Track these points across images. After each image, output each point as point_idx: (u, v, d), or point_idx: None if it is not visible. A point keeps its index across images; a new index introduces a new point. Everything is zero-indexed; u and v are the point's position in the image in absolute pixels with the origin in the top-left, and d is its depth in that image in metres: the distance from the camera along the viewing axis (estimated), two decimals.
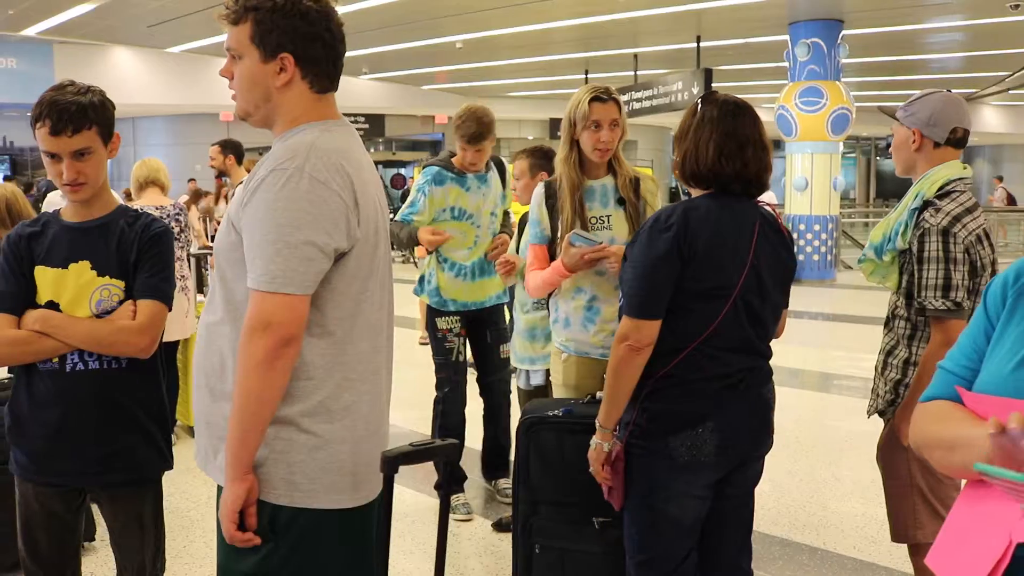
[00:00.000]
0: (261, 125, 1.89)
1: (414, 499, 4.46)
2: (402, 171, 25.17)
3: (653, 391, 2.41)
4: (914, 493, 2.64)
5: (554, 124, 22.70)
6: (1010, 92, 22.41)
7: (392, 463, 1.67)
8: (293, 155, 1.72)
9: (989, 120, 26.98)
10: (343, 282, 1.79)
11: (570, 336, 3.10)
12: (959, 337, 1.51)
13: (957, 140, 2.69)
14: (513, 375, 4.33)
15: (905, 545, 2.78)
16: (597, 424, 2.47)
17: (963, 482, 1.46)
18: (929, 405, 1.50)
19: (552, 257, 3.15)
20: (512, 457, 3.28)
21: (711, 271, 2.35)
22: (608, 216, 3.08)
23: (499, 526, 4.11)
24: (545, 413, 2.84)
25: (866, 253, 2.79)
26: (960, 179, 2.67)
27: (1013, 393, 1.30)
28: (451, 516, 4.23)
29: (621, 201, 3.09)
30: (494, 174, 4.29)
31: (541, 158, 4.04)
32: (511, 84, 21.23)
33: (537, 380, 3.88)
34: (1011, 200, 23.77)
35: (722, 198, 2.42)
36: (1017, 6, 11.34)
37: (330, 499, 1.80)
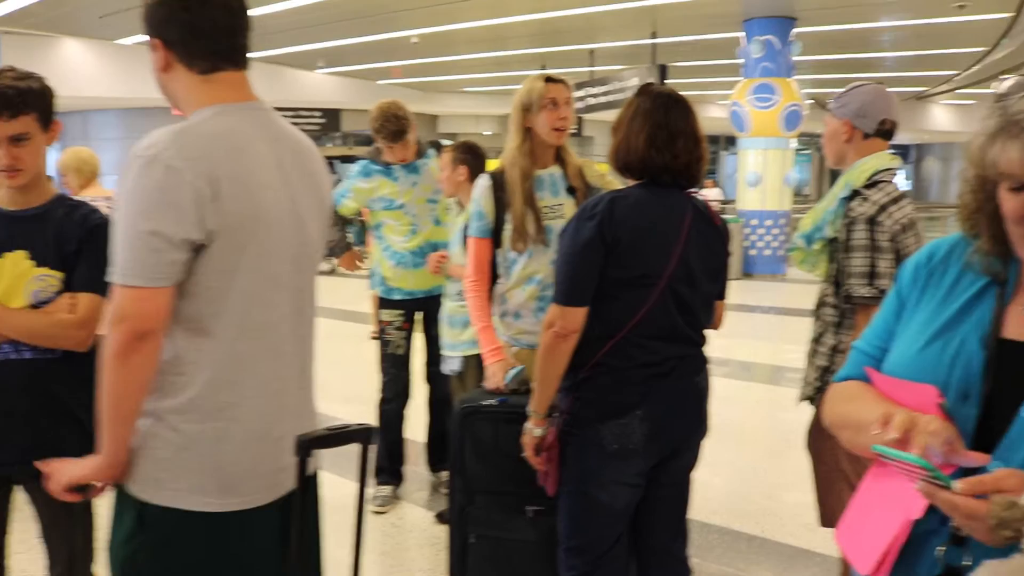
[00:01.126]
0: (179, 113, 1.83)
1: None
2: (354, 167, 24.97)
3: (585, 379, 2.43)
4: (840, 478, 2.69)
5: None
6: (958, 91, 22.86)
7: (305, 447, 1.66)
8: (155, 142, 1.65)
9: (939, 119, 27.46)
10: (209, 276, 1.68)
11: (522, 329, 3.08)
12: (875, 316, 1.53)
13: (886, 131, 2.74)
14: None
15: (834, 530, 2.82)
16: (530, 410, 2.49)
17: None
18: (841, 385, 1.52)
19: (495, 248, 3.13)
20: None
21: (637, 259, 2.37)
22: (560, 205, 3.07)
23: (441, 518, 4.11)
24: (480, 403, 2.85)
25: (796, 241, 2.84)
26: (888, 169, 2.72)
27: (919, 373, 1.32)
28: (380, 508, 4.25)
29: (571, 190, 3.08)
30: (430, 162, 4.33)
31: (464, 152, 4.06)
32: (467, 79, 21.20)
33: (455, 366, 3.97)
34: None
35: (652, 188, 2.44)
36: (963, 7, 11.55)
37: (196, 501, 1.71)
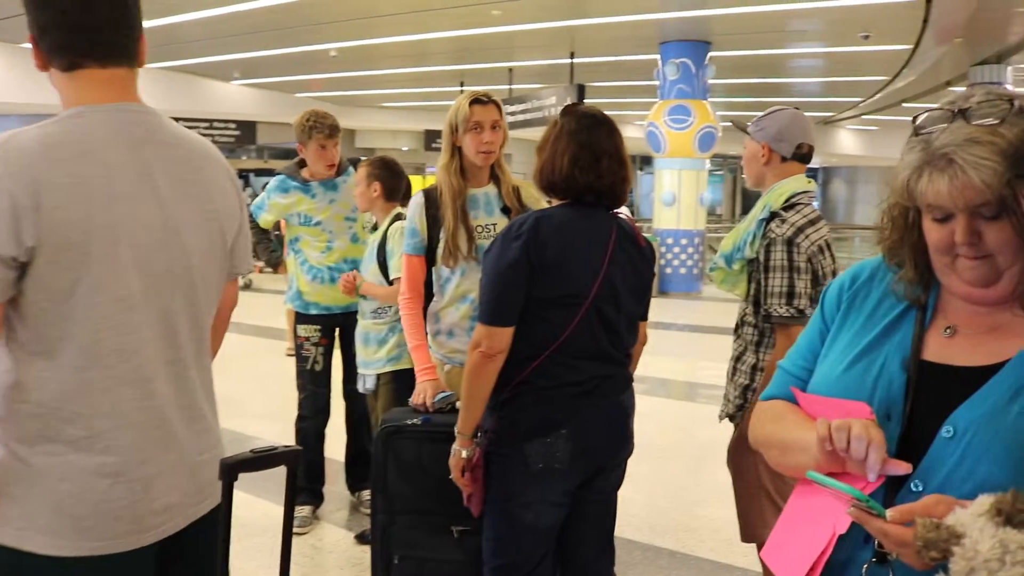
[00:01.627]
0: None
1: (279, 512, 4.32)
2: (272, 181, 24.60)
3: (510, 398, 2.42)
4: (761, 494, 2.74)
5: (430, 135, 22.64)
6: (863, 117, 23.71)
7: (231, 471, 1.61)
8: None
9: (845, 143, 28.39)
10: (40, 296, 1.52)
11: (455, 348, 3.05)
12: (798, 338, 1.57)
13: (802, 155, 2.83)
14: None
15: (755, 545, 2.88)
16: (456, 431, 2.48)
17: None
18: (767, 404, 1.54)
19: (429, 267, 3.10)
20: None
21: (562, 279, 2.37)
22: (494, 224, 3.05)
23: (362, 538, 4.05)
24: (404, 422, 2.81)
25: (716, 262, 2.90)
26: (805, 192, 2.80)
27: (842, 394, 1.35)
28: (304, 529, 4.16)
29: (506, 210, 3.06)
30: (349, 180, 4.30)
31: (379, 168, 3.99)
32: (386, 95, 21.09)
33: (369, 384, 3.95)
34: None
35: (577, 208, 2.46)
36: (867, 37, 12.00)
37: (44, 543, 1.54)
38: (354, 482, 4.53)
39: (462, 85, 18.23)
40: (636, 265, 2.53)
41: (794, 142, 2.80)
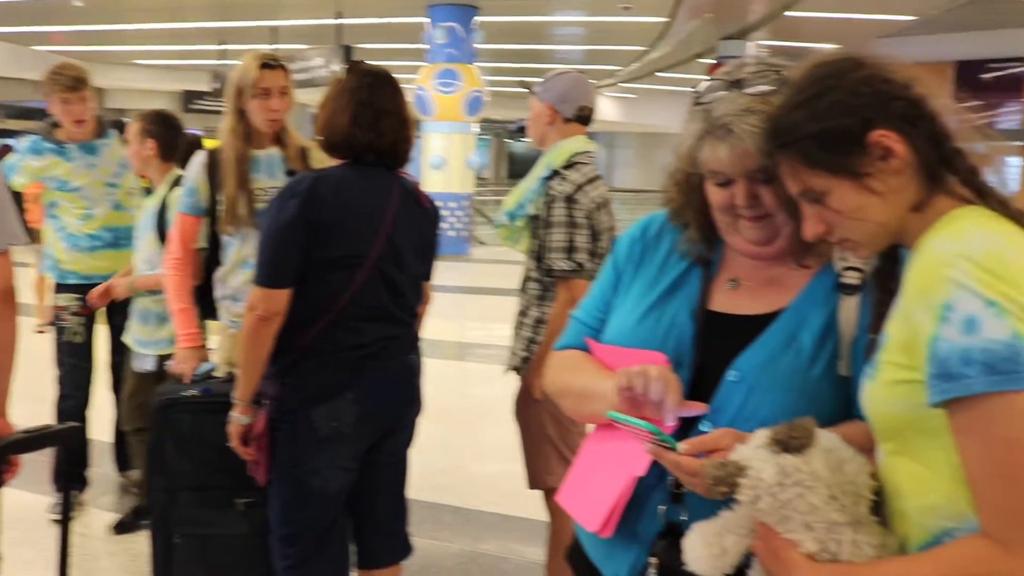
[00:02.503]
0: None
1: (36, 502, 4.00)
2: (10, 141, 22.51)
3: (293, 363, 2.37)
4: (546, 443, 2.85)
5: (188, 96, 21.44)
6: (621, 85, 24.85)
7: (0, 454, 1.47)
8: None
9: (605, 110, 29.63)
10: None
11: (240, 312, 2.91)
12: (592, 287, 1.62)
13: (583, 117, 2.95)
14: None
15: (540, 492, 2.99)
16: (234, 397, 2.39)
17: (588, 428, 1.58)
18: (562, 354, 1.59)
19: (212, 228, 2.94)
20: None
21: (342, 239, 2.33)
22: (276, 188, 2.90)
23: (122, 527, 3.80)
24: (180, 393, 2.68)
25: (501, 219, 2.97)
26: (585, 152, 2.90)
27: (636, 344, 1.42)
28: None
29: (291, 173, 2.93)
30: (111, 143, 4.00)
31: (153, 123, 3.66)
32: (139, 51, 19.78)
33: (148, 365, 3.67)
34: None
35: (358, 168, 2.42)
36: (627, 8, 12.55)
37: None
38: (122, 462, 4.26)
39: (221, 43, 17.40)
40: (419, 225, 2.53)
41: (576, 104, 2.91)
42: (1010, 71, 17.37)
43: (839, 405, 1.29)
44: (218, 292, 3.00)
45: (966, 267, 1.02)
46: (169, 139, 3.65)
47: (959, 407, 1.01)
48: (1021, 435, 0.98)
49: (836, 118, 1.12)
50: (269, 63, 2.87)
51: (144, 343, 3.70)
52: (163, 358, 3.56)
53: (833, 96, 1.13)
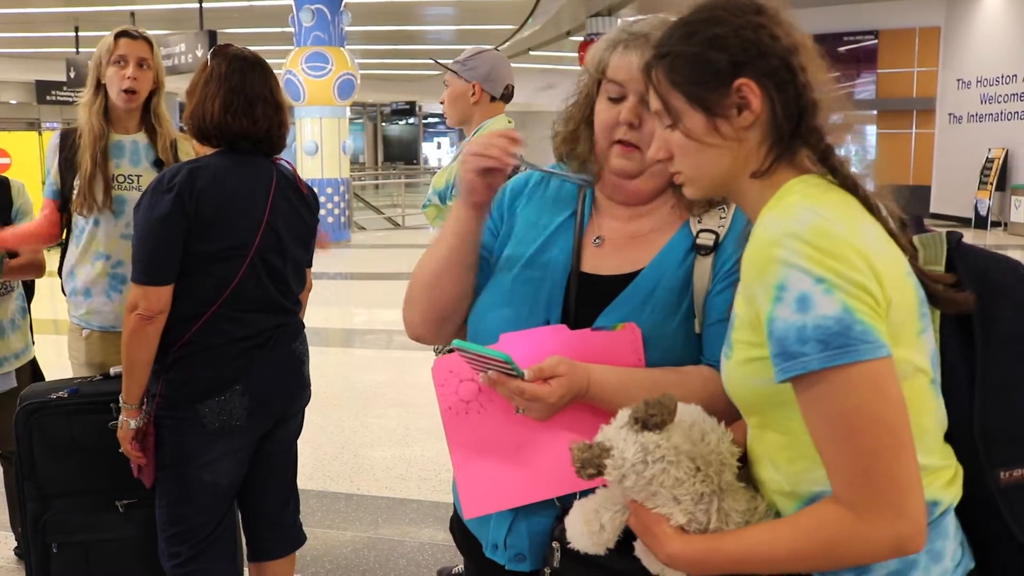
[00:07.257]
0: None
1: None
2: None
3: (177, 359, 2.30)
4: None
5: (42, 86, 20.35)
6: None
7: None
8: None
9: None
10: None
11: (92, 308, 2.82)
12: None
13: (507, 95, 3.00)
14: None
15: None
16: (121, 402, 2.30)
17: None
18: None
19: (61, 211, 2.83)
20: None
21: (223, 231, 2.28)
22: (139, 176, 2.82)
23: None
24: (48, 396, 2.55)
25: (431, 199, 2.99)
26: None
27: (515, 303, 1.49)
28: None
29: (159, 163, 2.84)
30: None
31: None
32: None
33: (9, 382, 3.14)
34: None
35: (233, 156, 2.35)
36: None
37: None
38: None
39: (77, 31, 16.61)
40: (299, 212, 2.49)
41: (503, 82, 2.97)
42: (864, 44, 18.28)
43: (696, 360, 1.38)
44: (67, 286, 2.88)
45: (794, 246, 1.04)
46: None
47: (801, 383, 1.05)
48: (857, 405, 1.03)
49: (711, 49, 1.15)
50: (130, 32, 2.80)
51: None
52: (18, 372, 3.21)
53: (718, 28, 1.15)
